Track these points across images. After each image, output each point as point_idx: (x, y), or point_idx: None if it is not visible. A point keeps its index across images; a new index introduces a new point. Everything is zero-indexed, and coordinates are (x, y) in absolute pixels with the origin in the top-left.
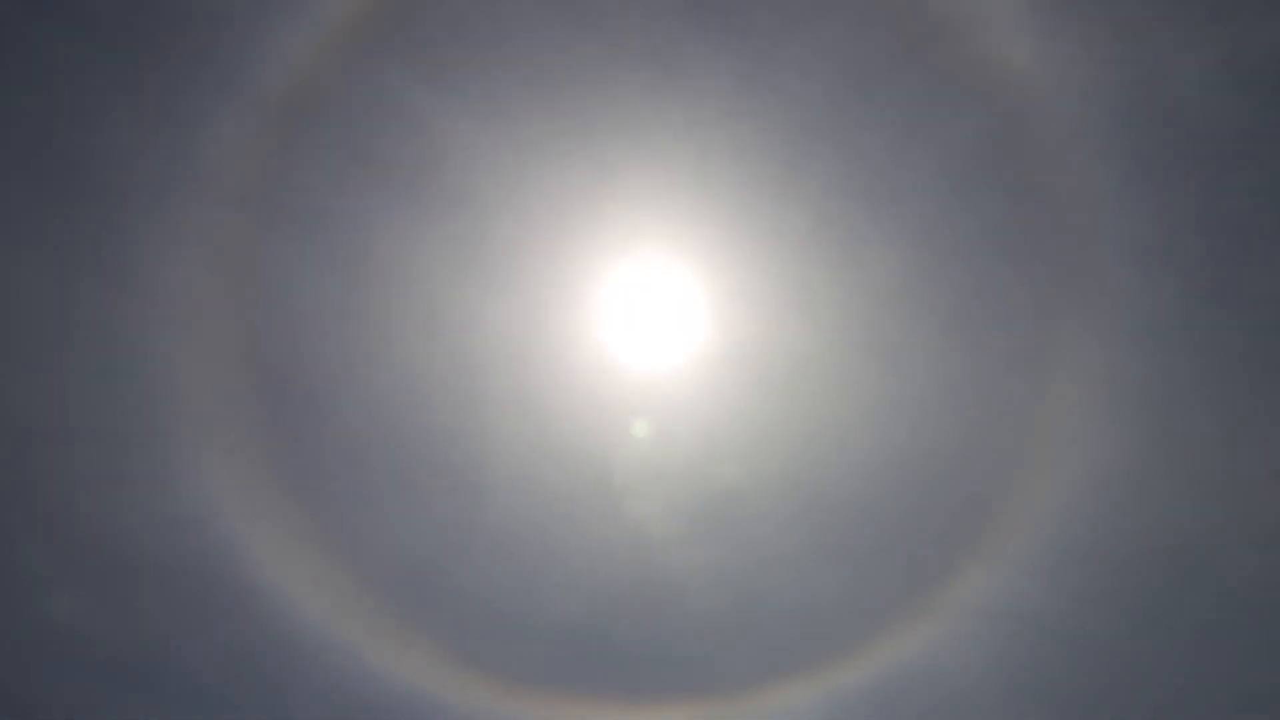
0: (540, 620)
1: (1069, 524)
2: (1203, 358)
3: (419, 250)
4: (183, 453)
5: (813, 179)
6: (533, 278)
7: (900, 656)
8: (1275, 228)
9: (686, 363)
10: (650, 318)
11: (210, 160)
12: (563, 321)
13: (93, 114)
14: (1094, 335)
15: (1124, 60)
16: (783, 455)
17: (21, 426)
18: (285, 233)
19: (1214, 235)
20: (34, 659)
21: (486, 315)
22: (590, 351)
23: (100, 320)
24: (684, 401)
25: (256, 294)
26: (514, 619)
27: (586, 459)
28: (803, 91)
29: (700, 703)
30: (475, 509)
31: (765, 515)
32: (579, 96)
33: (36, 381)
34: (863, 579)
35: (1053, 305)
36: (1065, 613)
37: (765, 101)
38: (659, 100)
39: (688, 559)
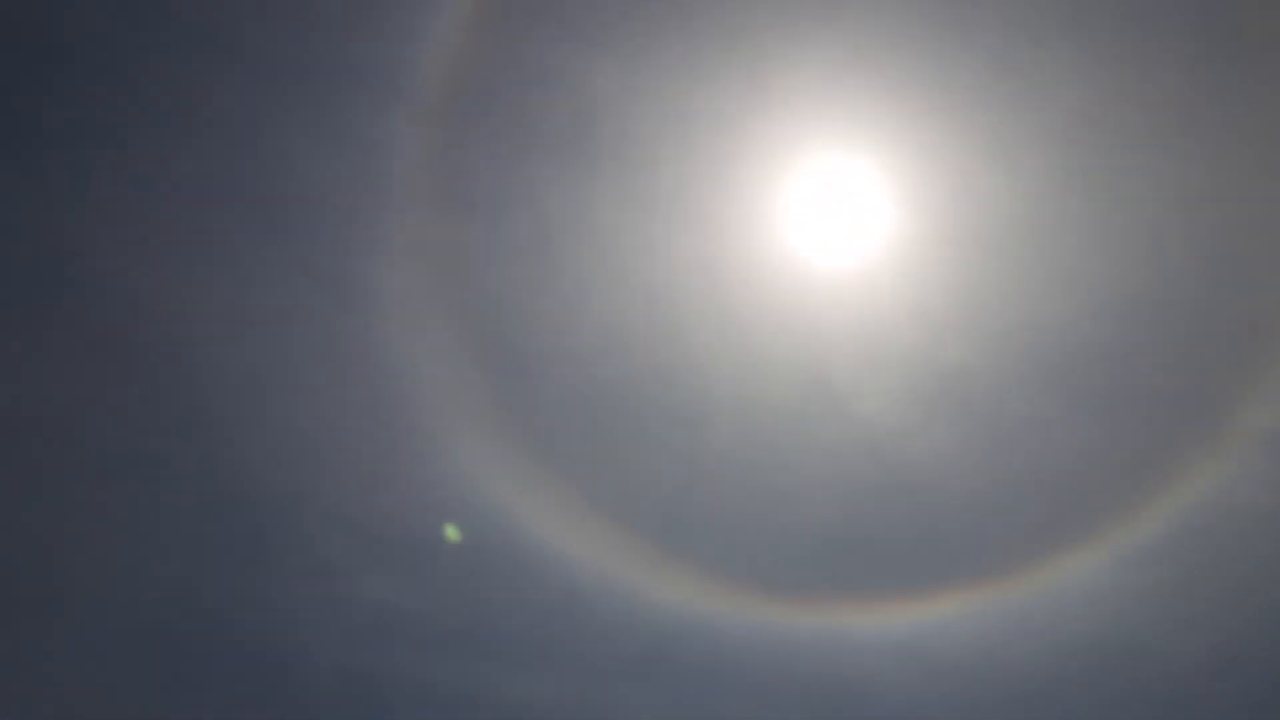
0: (792, 532)
1: None
2: None
3: (597, 207)
4: (436, 440)
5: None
6: (714, 203)
7: (1184, 503)
8: None
9: (885, 253)
10: (839, 215)
11: (387, 161)
12: (754, 238)
13: (267, 135)
14: None
15: None
16: (1008, 319)
17: (295, 438)
18: (470, 218)
19: None
20: (359, 637)
21: (676, 251)
22: (787, 262)
23: (331, 331)
24: (892, 291)
25: (460, 282)
26: (766, 535)
27: (802, 368)
28: None
29: (973, 587)
30: (706, 439)
31: (1003, 386)
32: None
33: (300, 399)
34: (1130, 425)
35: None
36: None
37: None
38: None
39: (930, 445)
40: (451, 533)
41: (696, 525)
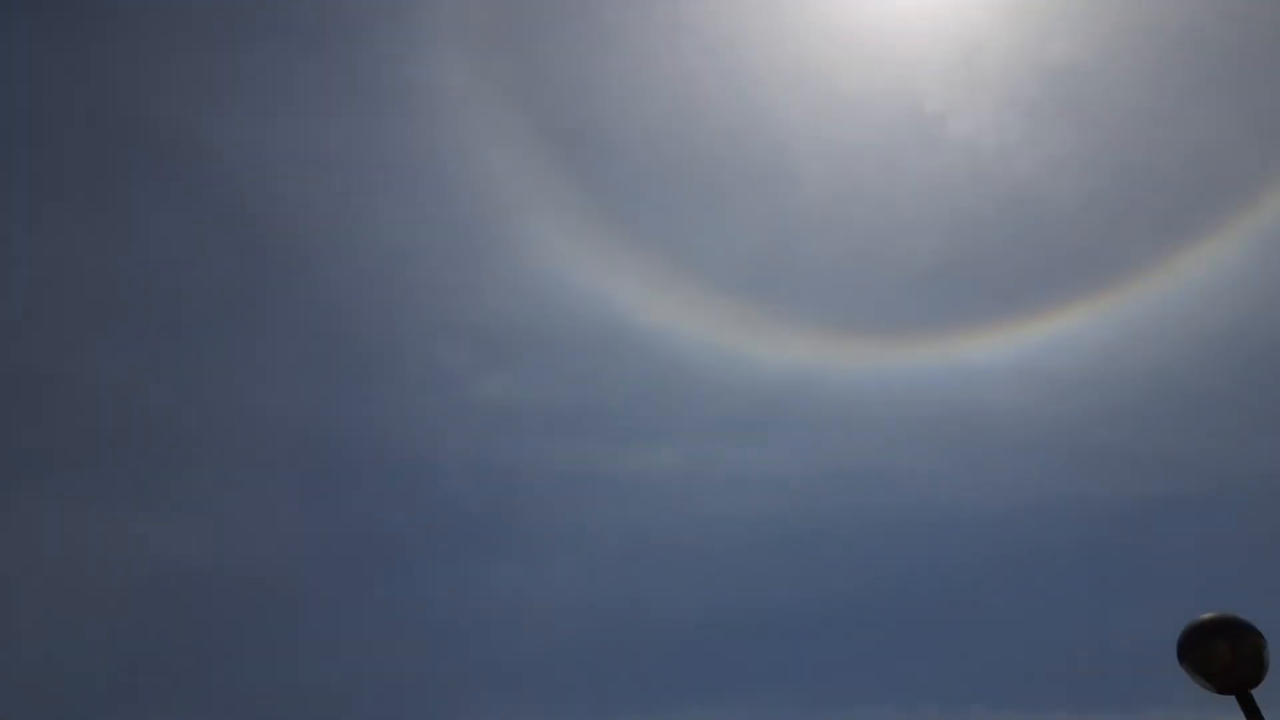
0: (893, 272)
1: None
2: None
3: None
4: (523, 235)
5: None
6: None
7: None
8: None
9: None
10: None
11: None
12: None
13: None
14: None
15: None
16: (1112, 9)
17: (389, 260)
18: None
19: None
20: (482, 434)
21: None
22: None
23: (403, 145)
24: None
25: (520, 71)
26: (869, 275)
27: (888, 96)
28: None
29: (1095, 297)
30: (794, 191)
31: (1113, 81)
32: None
33: (385, 220)
34: (1250, 107)
35: None
36: None
37: None
38: None
39: (1039, 157)
40: None
41: (793, 280)
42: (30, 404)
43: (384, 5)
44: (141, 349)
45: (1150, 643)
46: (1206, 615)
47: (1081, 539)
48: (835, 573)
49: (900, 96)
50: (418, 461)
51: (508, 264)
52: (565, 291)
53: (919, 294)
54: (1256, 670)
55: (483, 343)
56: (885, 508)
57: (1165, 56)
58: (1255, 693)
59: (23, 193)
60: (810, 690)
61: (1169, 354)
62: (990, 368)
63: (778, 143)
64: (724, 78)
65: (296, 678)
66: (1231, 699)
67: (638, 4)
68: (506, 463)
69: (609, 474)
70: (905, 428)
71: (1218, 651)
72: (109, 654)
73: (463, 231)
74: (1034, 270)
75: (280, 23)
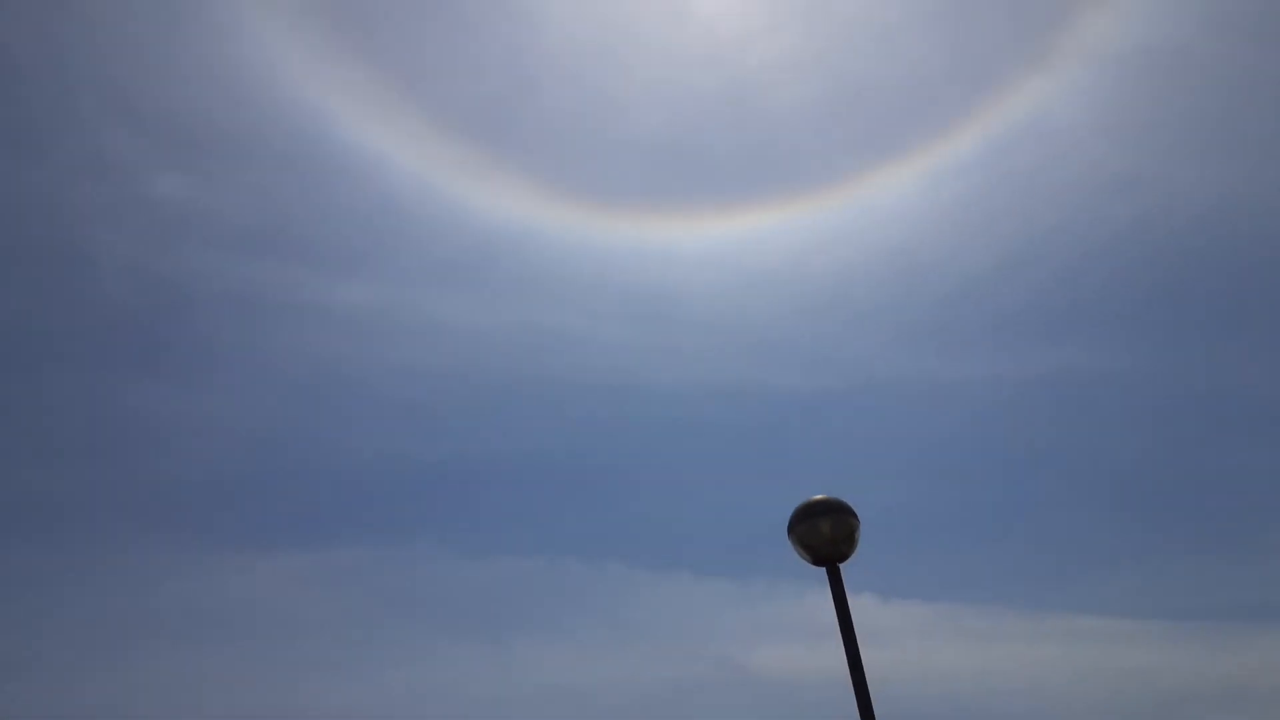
0: (620, 137)
1: None
2: None
3: None
4: (237, 23)
5: None
6: None
7: (1005, 119)
8: None
9: None
10: None
11: None
12: None
13: None
14: None
15: None
16: None
17: (70, 17)
18: None
19: None
20: (153, 234)
21: None
22: None
23: None
24: None
25: None
26: (593, 140)
27: None
28: None
29: (798, 202)
30: (535, 35)
31: None
32: None
33: None
34: (962, 41)
35: None
36: (1190, 43)
37: None
38: None
39: (770, 51)
40: None
41: (521, 130)
42: None
43: None
44: None
45: (773, 519)
46: (816, 496)
47: (744, 421)
48: (512, 429)
49: None
50: (70, 254)
51: (206, 51)
52: (269, 94)
53: (637, 167)
54: (848, 547)
55: (162, 134)
56: (573, 369)
57: None
58: (843, 567)
59: None
60: (469, 539)
61: (848, 264)
62: (690, 252)
63: None
64: None
65: None
66: (823, 571)
67: None
68: (174, 272)
69: (292, 302)
70: (603, 297)
71: (820, 528)
72: None
73: (160, 5)
74: (746, 165)
75: None
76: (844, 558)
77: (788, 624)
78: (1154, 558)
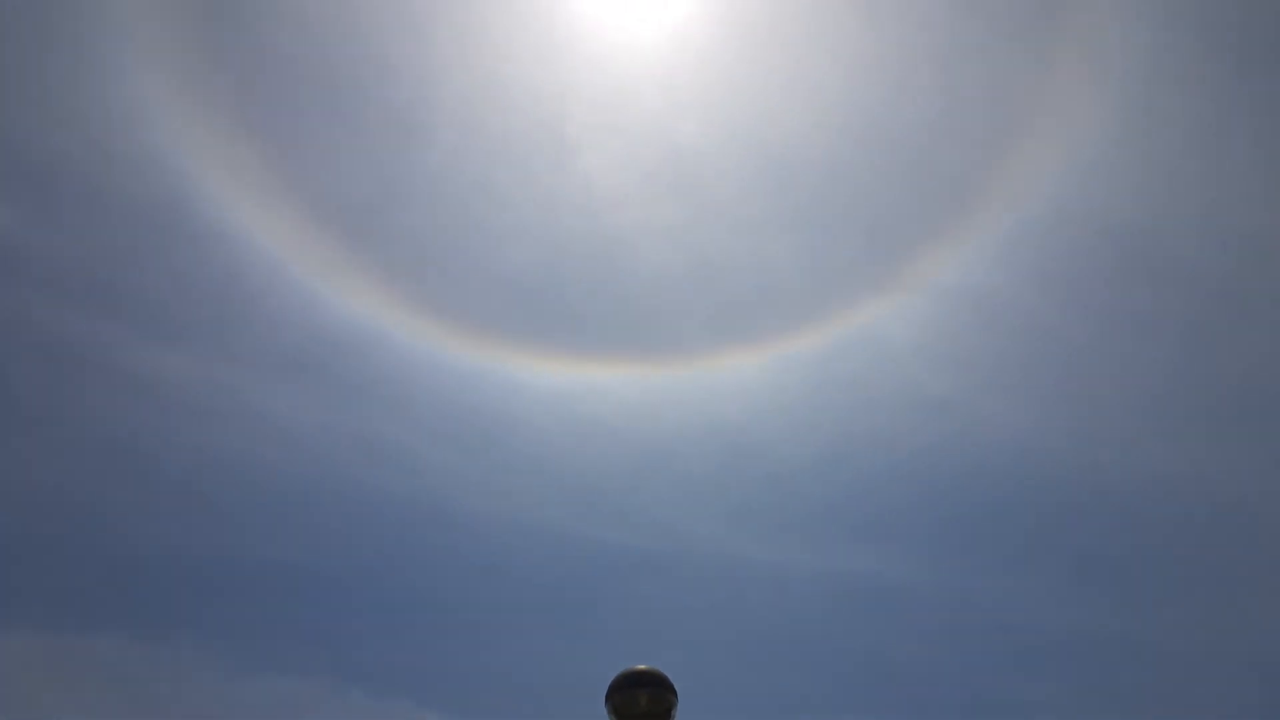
0: (488, 267)
1: (1037, 207)
2: (1200, 38)
3: None
4: (110, 54)
5: None
6: None
7: (844, 325)
8: None
9: (658, 24)
10: None
11: None
12: None
13: None
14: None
15: None
16: (751, 113)
17: None
18: None
19: None
20: None
21: None
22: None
23: None
24: (645, 56)
25: None
26: (461, 264)
27: (537, 106)
28: None
29: (647, 362)
30: (419, 149)
31: (726, 175)
32: None
33: None
34: (822, 248)
35: None
36: (1015, 294)
37: None
38: None
39: (641, 216)
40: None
41: (392, 236)
42: None
43: None
44: None
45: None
46: (638, 666)
47: (560, 569)
48: (317, 538)
49: (548, 111)
50: None
51: (71, 85)
52: (128, 140)
53: (498, 297)
54: None
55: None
56: (393, 485)
57: (778, 166)
58: None
59: None
60: (243, 649)
61: (681, 431)
62: (534, 389)
63: (426, 97)
64: (398, 8)
65: None
66: None
67: None
68: None
69: (106, 362)
70: (440, 416)
71: (638, 700)
72: None
73: (16, 22)
74: (603, 318)
75: None
76: None
77: None
78: None
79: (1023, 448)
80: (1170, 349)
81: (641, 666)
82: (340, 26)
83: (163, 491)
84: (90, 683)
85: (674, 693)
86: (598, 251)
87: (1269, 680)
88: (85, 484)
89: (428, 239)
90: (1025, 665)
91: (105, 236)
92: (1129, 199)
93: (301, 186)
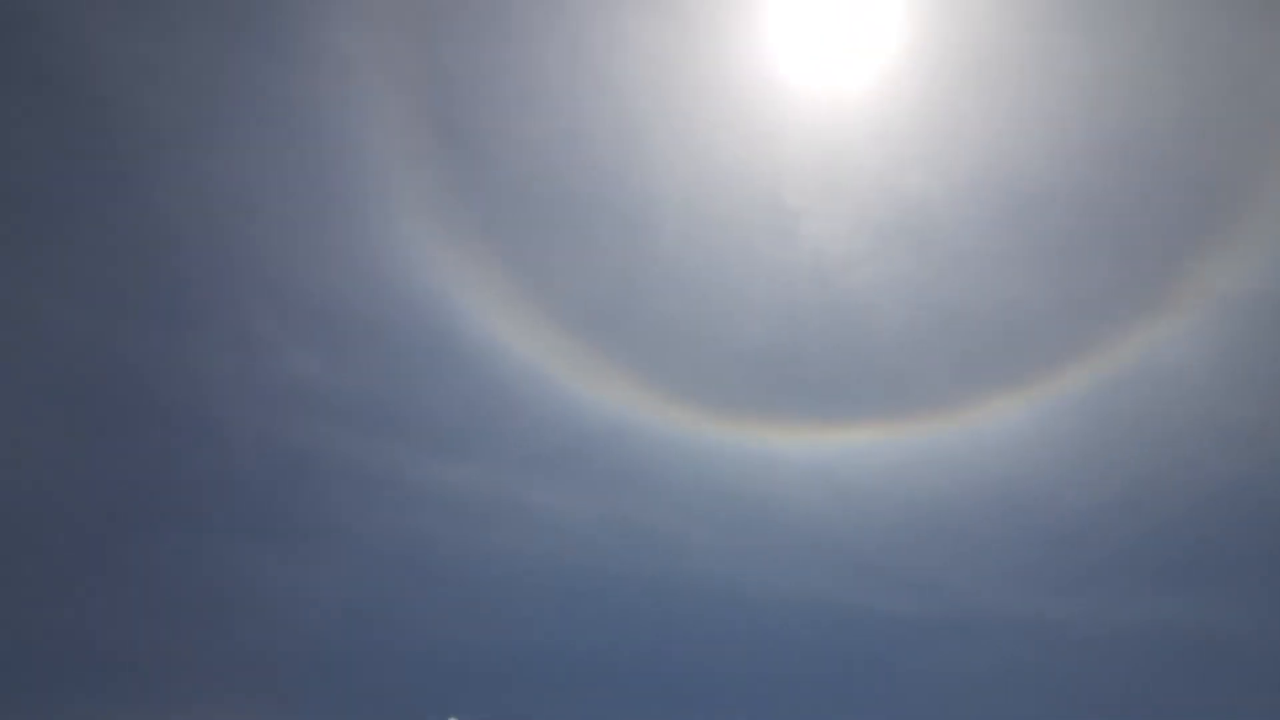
0: (728, 345)
1: None
2: None
3: None
4: (376, 216)
5: None
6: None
7: (1117, 356)
8: None
9: (860, 76)
10: (816, 33)
11: None
12: (724, 42)
13: None
14: None
15: None
16: (978, 151)
17: (223, 199)
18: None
19: None
20: (282, 410)
21: (642, 46)
22: (755, 72)
23: (269, 88)
24: (856, 109)
25: (418, 53)
26: (702, 346)
27: (755, 182)
28: None
29: (902, 422)
30: (648, 244)
31: (961, 219)
32: None
33: (230, 156)
34: (1079, 278)
35: None
36: None
37: None
38: None
39: (875, 274)
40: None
41: (633, 330)
42: None
43: None
44: None
45: None
46: None
47: (839, 643)
48: (592, 625)
49: (766, 185)
50: (203, 421)
51: (353, 242)
52: (405, 286)
53: (740, 375)
54: None
55: (302, 313)
56: (662, 569)
57: (1013, 210)
58: None
59: None
60: None
61: (950, 490)
62: (788, 462)
63: (648, 192)
64: (610, 114)
65: None
66: None
67: (537, 31)
68: (296, 444)
69: (400, 479)
70: (699, 499)
71: None
72: None
73: (316, 195)
74: (848, 381)
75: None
76: None
77: None
78: None
79: None
80: None
81: None
82: (564, 146)
83: (453, 590)
84: None
85: None
86: (836, 316)
87: None
88: (384, 592)
89: (667, 327)
90: None
91: (388, 368)
92: None
93: (548, 298)
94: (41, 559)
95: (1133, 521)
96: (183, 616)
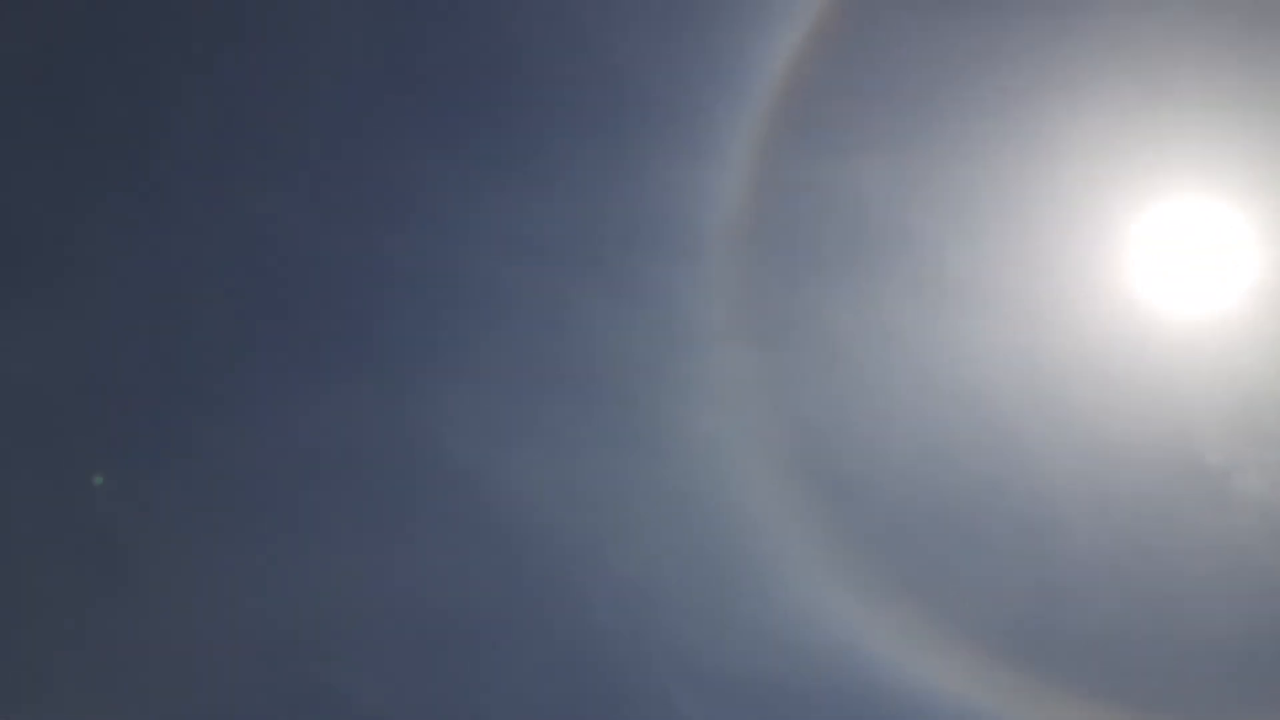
0: (1186, 647)
1: None
2: None
3: (890, 311)
4: (772, 578)
5: None
6: (1017, 288)
7: None
8: None
9: (1251, 301)
10: (1193, 263)
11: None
12: (1074, 308)
13: (566, 305)
14: None
15: None
16: None
17: (635, 594)
18: (766, 347)
19: None
20: None
21: (988, 344)
22: (1126, 320)
23: (656, 484)
24: (1265, 342)
25: (773, 413)
26: (1153, 652)
27: (1167, 448)
28: None
29: None
30: (1063, 545)
31: None
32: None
33: (634, 554)
34: None
35: None
36: None
37: None
38: None
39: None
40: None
41: (1060, 645)
42: None
43: (657, 365)
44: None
45: None
46: None
47: None
48: None
49: (1179, 449)
50: None
51: (753, 610)
52: (814, 643)
53: (1216, 679)
54: None
55: (721, 692)
56: None
57: None
58: None
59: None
60: None
61: None
62: None
63: (1041, 491)
64: (974, 423)
65: None
66: None
67: (883, 353)
68: None
69: None
70: None
71: None
72: None
73: (715, 572)
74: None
75: (553, 370)
76: None
77: None
78: None
79: None
80: None
81: None
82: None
83: None
84: None
85: None
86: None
87: None
88: None
89: (1096, 629)
90: None
91: None
92: None
93: (961, 624)
94: None
95: None
96: None
